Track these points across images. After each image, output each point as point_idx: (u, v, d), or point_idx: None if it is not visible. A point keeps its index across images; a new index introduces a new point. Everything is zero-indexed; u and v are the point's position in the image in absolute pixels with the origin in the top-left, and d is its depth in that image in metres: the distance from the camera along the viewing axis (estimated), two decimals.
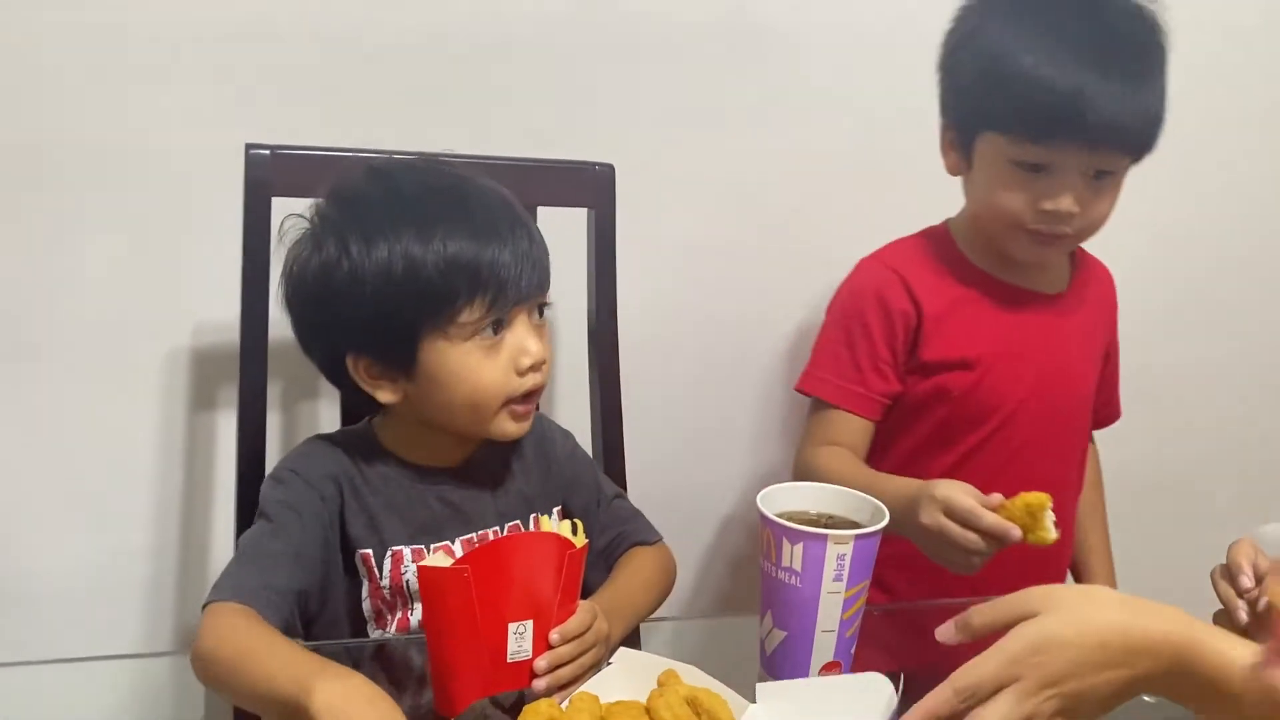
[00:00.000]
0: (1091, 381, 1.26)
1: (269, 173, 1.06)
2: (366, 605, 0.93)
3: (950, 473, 1.09)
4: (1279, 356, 1.69)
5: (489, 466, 0.98)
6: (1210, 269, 1.62)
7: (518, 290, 0.90)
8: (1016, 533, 0.90)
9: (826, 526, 0.82)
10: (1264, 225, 1.64)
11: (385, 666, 0.90)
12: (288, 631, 0.82)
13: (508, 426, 0.93)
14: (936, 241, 1.24)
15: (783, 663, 0.83)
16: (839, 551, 0.79)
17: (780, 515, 0.82)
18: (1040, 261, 1.19)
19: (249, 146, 1.06)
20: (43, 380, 1.21)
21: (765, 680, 0.81)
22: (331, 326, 0.91)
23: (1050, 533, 0.89)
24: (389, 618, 0.94)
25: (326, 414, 1.27)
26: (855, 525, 0.83)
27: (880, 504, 0.85)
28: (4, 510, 1.21)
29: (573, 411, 1.25)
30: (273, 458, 1.09)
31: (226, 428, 1.21)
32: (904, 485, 1.02)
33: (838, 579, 0.80)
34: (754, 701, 0.75)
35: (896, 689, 0.73)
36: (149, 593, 1.23)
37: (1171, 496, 1.65)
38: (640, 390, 1.27)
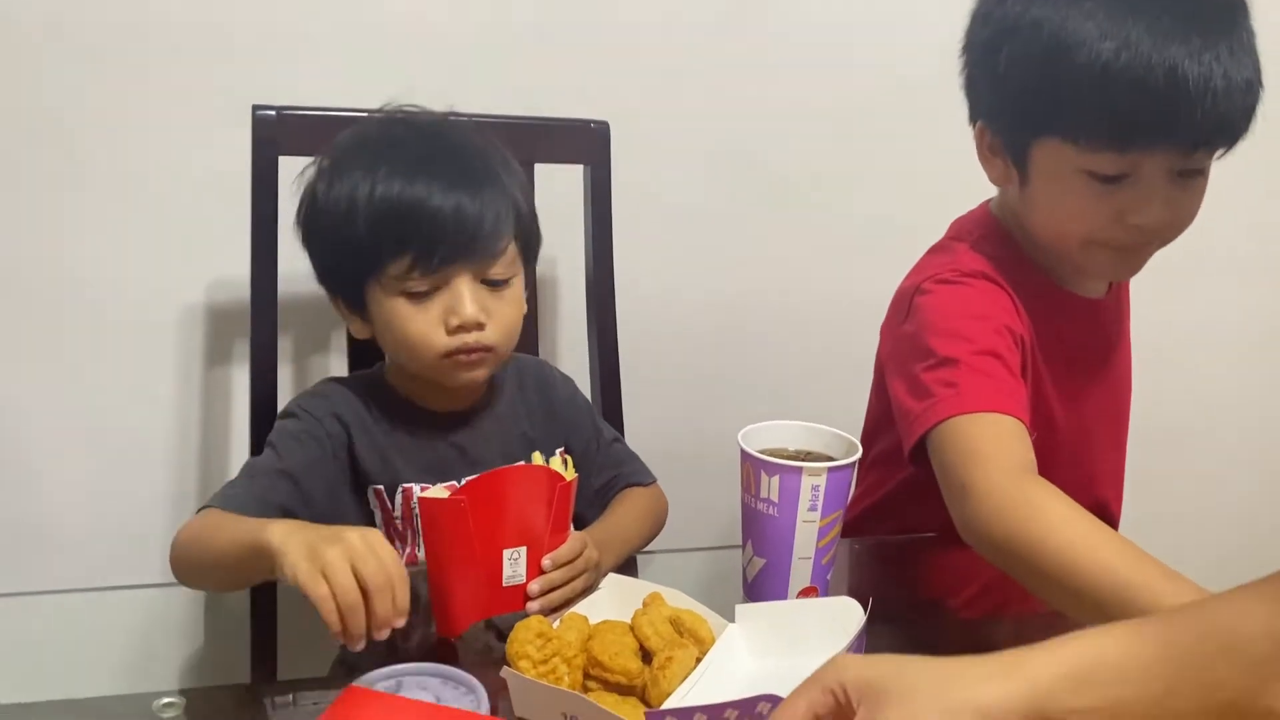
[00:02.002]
0: (1130, 372, 1.13)
1: (276, 133, 1.11)
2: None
3: None
4: None
5: (494, 411, 1.02)
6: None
7: (450, 252, 0.90)
8: None
9: (804, 461, 0.87)
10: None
11: None
12: None
13: (456, 375, 0.95)
14: (999, 244, 1.01)
15: (762, 588, 0.88)
16: (813, 483, 0.84)
17: (761, 451, 0.87)
18: (1123, 278, 1.03)
19: (256, 107, 1.10)
20: (64, 337, 1.26)
21: None
22: (311, 260, 0.98)
23: None
24: (401, 550, 0.99)
25: (336, 366, 1.32)
26: (831, 460, 0.88)
27: (854, 440, 0.89)
28: (33, 460, 1.27)
29: (572, 365, 1.29)
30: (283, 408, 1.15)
31: (240, 380, 1.27)
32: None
33: (812, 509, 0.85)
34: (733, 622, 0.80)
35: (865, 611, 0.78)
36: (168, 537, 1.30)
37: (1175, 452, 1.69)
38: (638, 343, 1.31)
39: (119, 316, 1.27)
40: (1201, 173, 0.92)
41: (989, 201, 1.07)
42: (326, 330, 1.33)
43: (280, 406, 1.14)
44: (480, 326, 0.92)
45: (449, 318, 0.91)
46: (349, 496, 0.97)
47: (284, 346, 1.24)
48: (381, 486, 0.98)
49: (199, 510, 0.88)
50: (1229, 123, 0.87)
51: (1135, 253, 0.95)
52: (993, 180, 1.01)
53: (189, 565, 0.85)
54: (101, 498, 1.29)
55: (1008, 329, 0.94)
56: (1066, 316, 1.03)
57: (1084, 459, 1.05)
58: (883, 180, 1.46)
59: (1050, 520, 0.77)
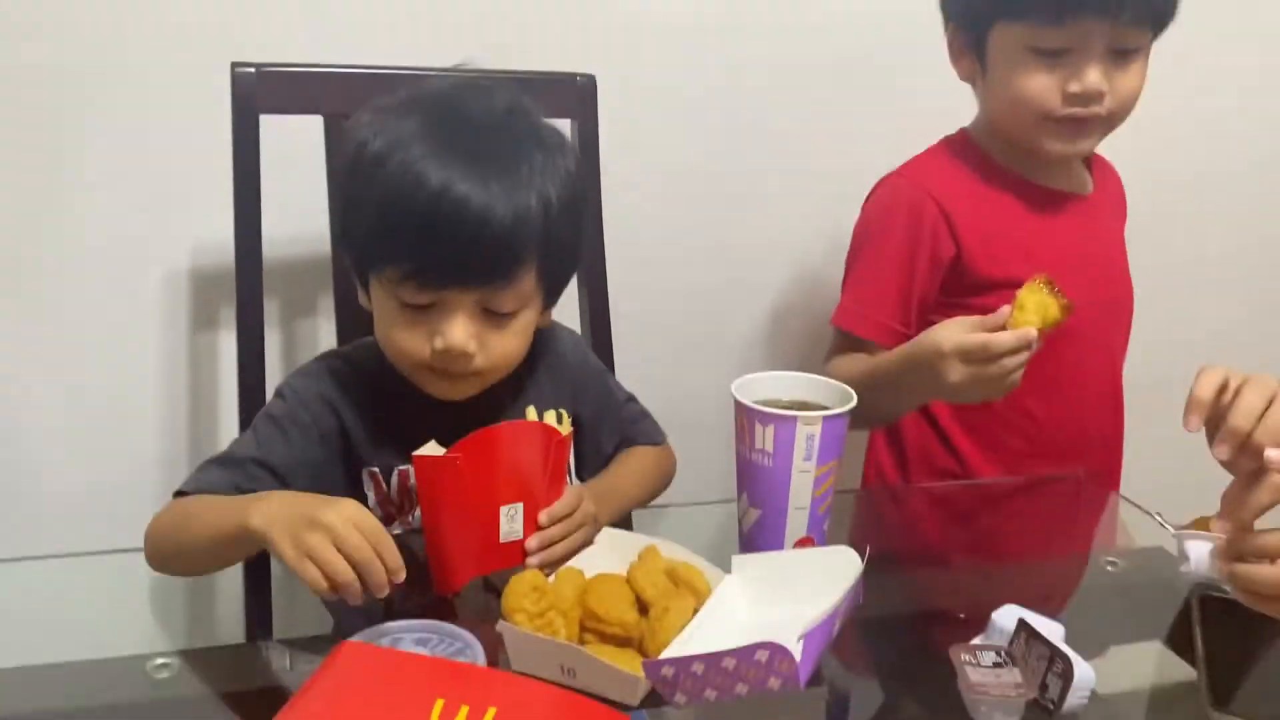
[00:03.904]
0: (1129, 273, 1.25)
1: (256, 90, 1.09)
2: (377, 513, 0.94)
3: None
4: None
5: (499, 394, 0.95)
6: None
7: (449, 276, 0.83)
8: (1033, 333, 0.91)
9: (799, 411, 0.86)
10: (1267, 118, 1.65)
11: None
12: None
13: (436, 387, 0.89)
14: (963, 152, 1.20)
15: (758, 539, 0.88)
16: (808, 432, 0.84)
17: (756, 402, 0.87)
18: (1074, 153, 1.16)
19: (235, 65, 1.08)
20: (48, 303, 1.25)
21: None
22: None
23: (1061, 300, 0.92)
24: (396, 519, 0.97)
25: (325, 330, 1.31)
26: (825, 409, 0.87)
27: (848, 389, 0.89)
28: (22, 427, 1.26)
29: (563, 321, 1.28)
30: (272, 372, 1.14)
31: (228, 345, 1.25)
32: (899, 354, 1.03)
33: (808, 458, 0.84)
34: (730, 573, 0.80)
35: (863, 561, 0.78)
36: (158, 502, 1.29)
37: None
38: (628, 300, 1.30)
39: (103, 281, 1.26)
40: (1137, 54, 1.09)
41: None
42: (314, 294, 1.32)
43: (268, 371, 1.13)
44: (468, 357, 0.86)
45: (436, 338, 0.85)
46: (340, 477, 0.94)
47: (271, 310, 1.23)
48: (376, 469, 0.95)
49: (174, 494, 0.86)
50: (1149, 6, 1.06)
51: (1082, 127, 1.11)
52: (962, 76, 1.18)
53: (167, 556, 0.83)
54: (91, 463, 1.29)
55: (910, 239, 1.15)
56: (1049, 211, 1.18)
57: (1083, 342, 1.16)
58: (874, 129, 1.45)
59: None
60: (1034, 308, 0.92)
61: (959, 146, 1.21)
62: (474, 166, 0.82)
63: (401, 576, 0.72)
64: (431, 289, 0.84)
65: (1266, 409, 0.73)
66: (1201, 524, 0.79)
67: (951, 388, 0.96)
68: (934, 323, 1.14)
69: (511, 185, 0.82)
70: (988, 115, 1.18)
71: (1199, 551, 0.80)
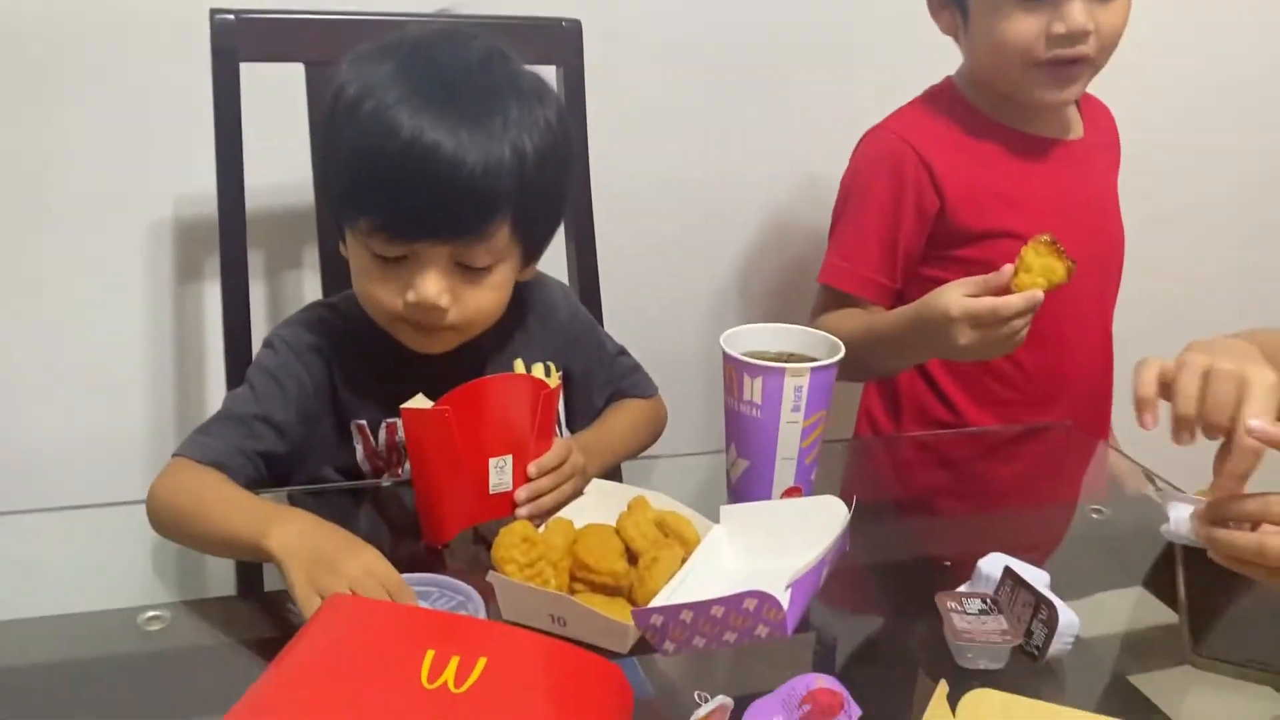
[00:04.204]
0: (1120, 219, 1.25)
1: (235, 38, 1.07)
2: (365, 466, 0.96)
3: None
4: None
5: (488, 341, 0.95)
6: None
7: (421, 229, 0.81)
8: (1040, 295, 0.92)
9: (787, 363, 0.86)
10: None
11: (379, 508, 0.95)
12: (253, 489, 0.85)
13: (412, 340, 0.89)
14: (947, 103, 1.19)
15: (747, 489, 0.88)
16: (796, 383, 0.83)
17: (744, 354, 0.87)
18: (1063, 100, 1.13)
19: (214, 11, 1.06)
20: (31, 258, 1.23)
21: None
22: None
23: (1066, 262, 0.92)
24: (385, 472, 0.97)
25: (310, 281, 1.30)
26: (813, 360, 0.87)
27: (836, 340, 0.89)
28: (8, 382, 1.26)
29: (550, 273, 1.27)
30: (257, 324, 1.13)
31: (213, 296, 1.24)
32: (903, 315, 1.03)
33: (795, 409, 0.84)
34: (718, 523, 0.81)
35: (850, 510, 0.78)
36: (150, 451, 1.29)
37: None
38: (618, 249, 1.29)
39: (87, 235, 1.25)
40: None
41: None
42: (299, 244, 1.31)
43: (254, 322, 1.13)
44: (441, 311, 0.84)
45: (408, 291, 0.84)
46: (330, 428, 0.94)
47: (255, 261, 1.22)
48: (364, 422, 0.95)
49: (174, 456, 0.85)
50: None
51: (1069, 70, 1.10)
52: (944, 30, 1.18)
53: (171, 530, 0.81)
54: (79, 416, 1.29)
55: (893, 194, 1.14)
56: (1036, 159, 1.17)
57: (1074, 294, 1.12)
58: (865, 75, 1.43)
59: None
60: (1040, 270, 0.93)
61: (943, 97, 1.20)
62: (446, 115, 0.80)
63: None
64: (402, 241, 0.83)
65: (1204, 387, 0.72)
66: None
67: (961, 350, 0.97)
68: (922, 275, 1.15)
69: (484, 135, 0.81)
70: (971, 66, 1.17)
71: (1179, 513, 0.81)
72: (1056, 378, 1.20)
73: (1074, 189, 1.19)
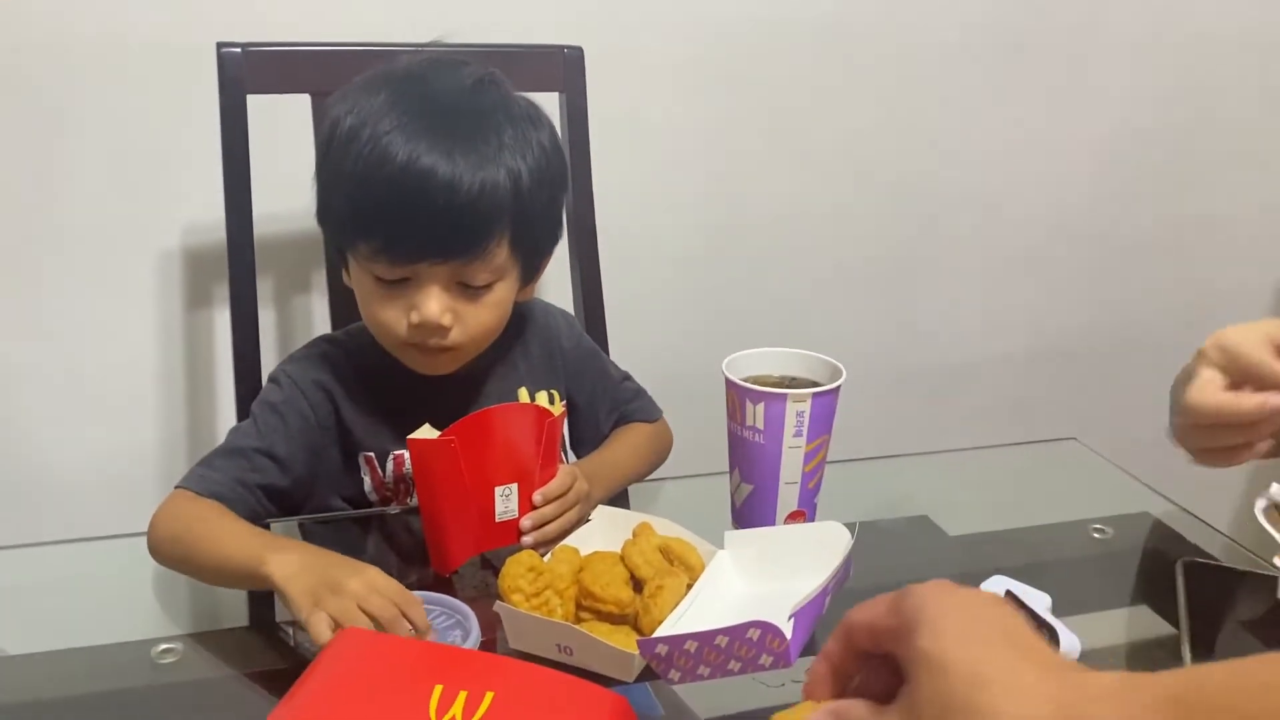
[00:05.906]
0: None
1: (243, 70, 1.08)
2: (373, 497, 0.98)
3: None
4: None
5: (492, 370, 0.97)
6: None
7: (420, 249, 0.83)
8: None
9: (789, 388, 0.87)
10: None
11: (389, 535, 0.96)
12: (254, 522, 0.86)
13: (416, 362, 0.90)
14: None
15: (750, 514, 0.89)
16: (798, 409, 0.84)
17: (745, 379, 0.87)
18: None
19: (221, 45, 1.07)
20: (43, 286, 1.25)
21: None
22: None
23: None
24: (392, 503, 0.98)
25: (319, 308, 1.31)
26: (815, 385, 0.88)
27: (838, 364, 0.89)
28: (19, 410, 1.27)
29: (555, 298, 1.26)
30: (267, 352, 1.15)
31: (222, 325, 1.26)
32: None
33: (798, 434, 0.85)
34: (722, 549, 0.82)
35: (853, 536, 0.79)
36: (161, 479, 1.30)
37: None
38: (621, 275, 1.30)
39: (97, 264, 1.26)
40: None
41: None
42: (307, 272, 1.32)
43: (263, 350, 1.14)
44: (444, 330, 0.86)
45: (412, 312, 0.85)
46: (337, 460, 0.95)
47: (264, 289, 1.23)
48: (372, 454, 0.96)
49: (176, 488, 0.86)
50: None
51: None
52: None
53: (169, 557, 0.83)
54: (89, 448, 1.30)
55: None
56: None
57: None
58: (868, 94, 1.44)
59: None
60: None
61: None
62: (440, 140, 0.82)
63: (428, 636, 0.72)
64: (403, 263, 0.84)
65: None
66: None
67: None
68: None
69: (479, 158, 0.83)
70: None
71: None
72: None
73: None
